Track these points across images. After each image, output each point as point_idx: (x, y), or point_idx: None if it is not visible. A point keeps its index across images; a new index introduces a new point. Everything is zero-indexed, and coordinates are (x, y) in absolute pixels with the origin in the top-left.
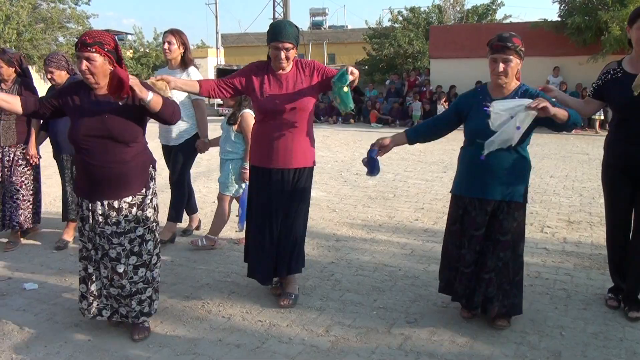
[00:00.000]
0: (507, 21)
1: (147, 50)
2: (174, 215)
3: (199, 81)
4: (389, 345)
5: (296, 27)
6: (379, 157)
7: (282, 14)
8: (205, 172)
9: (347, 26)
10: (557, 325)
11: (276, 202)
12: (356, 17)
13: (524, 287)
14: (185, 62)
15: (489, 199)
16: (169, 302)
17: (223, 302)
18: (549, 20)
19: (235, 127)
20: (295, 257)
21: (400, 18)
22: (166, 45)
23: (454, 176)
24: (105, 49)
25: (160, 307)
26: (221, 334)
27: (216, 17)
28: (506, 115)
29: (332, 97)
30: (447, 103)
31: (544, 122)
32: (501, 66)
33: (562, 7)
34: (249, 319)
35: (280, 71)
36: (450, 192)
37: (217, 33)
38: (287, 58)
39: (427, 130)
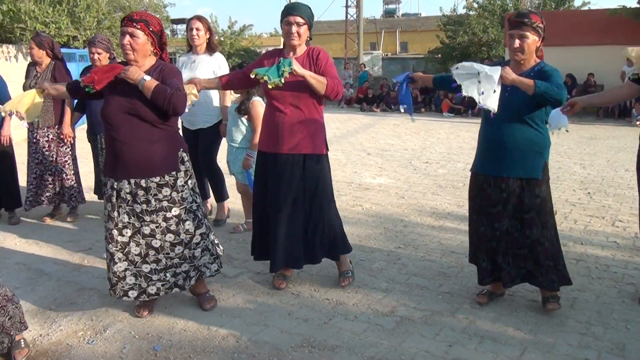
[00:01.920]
0: (586, 8)
1: (222, 39)
2: (219, 196)
3: (221, 77)
4: (453, 328)
5: (310, 9)
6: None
7: (355, 2)
8: None
9: (420, 14)
10: (623, 318)
11: (287, 187)
12: (430, 5)
13: (593, 280)
14: (212, 47)
15: (503, 176)
16: (241, 278)
17: (292, 279)
18: (628, 7)
19: (245, 116)
20: (331, 244)
21: (476, 5)
22: (194, 32)
23: (475, 152)
24: (150, 29)
25: (233, 281)
26: (290, 309)
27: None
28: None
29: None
30: None
31: (536, 98)
32: (517, 42)
33: None
34: (317, 296)
35: (292, 54)
36: (470, 169)
37: None
38: (299, 34)
39: (449, 82)
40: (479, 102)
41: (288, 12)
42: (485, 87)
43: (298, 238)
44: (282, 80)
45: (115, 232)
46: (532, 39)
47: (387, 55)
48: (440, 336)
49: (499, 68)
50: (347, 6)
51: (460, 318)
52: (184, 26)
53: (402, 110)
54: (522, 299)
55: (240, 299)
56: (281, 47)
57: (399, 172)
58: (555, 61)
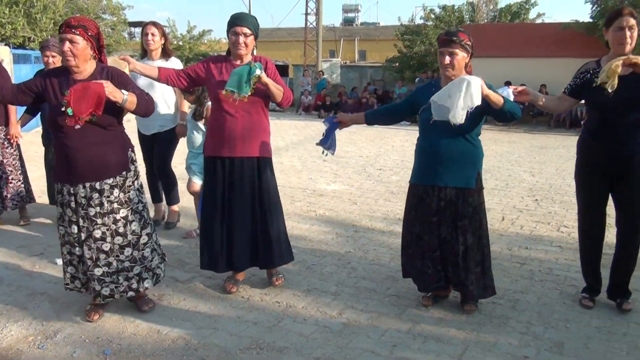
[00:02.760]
0: (540, 20)
1: (181, 43)
2: (171, 200)
3: (159, 68)
4: (398, 329)
5: (256, 20)
6: (336, 132)
7: (315, 9)
8: None
9: (379, 23)
10: (563, 318)
11: (235, 190)
12: (389, 14)
13: (535, 282)
14: (167, 53)
15: (441, 186)
16: (192, 282)
17: (243, 283)
18: (581, 21)
19: (202, 121)
20: (277, 250)
21: (433, 16)
22: (149, 37)
23: (412, 166)
24: (89, 33)
25: (184, 285)
26: (240, 312)
27: (249, 11)
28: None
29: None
30: None
31: (487, 112)
32: (447, 59)
33: (594, 8)
34: (267, 299)
35: (239, 61)
36: (409, 182)
37: None
38: (246, 44)
39: (383, 115)
40: (451, 115)
41: (235, 22)
42: (464, 102)
43: (249, 241)
44: (251, 92)
45: (77, 234)
46: (462, 56)
47: (345, 63)
48: (385, 337)
49: (478, 84)
50: (306, 14)
51: (406, 319)
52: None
53: (324, 153)
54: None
55: (190, 302)
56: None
57: (353, 178)
58: (510, 72)
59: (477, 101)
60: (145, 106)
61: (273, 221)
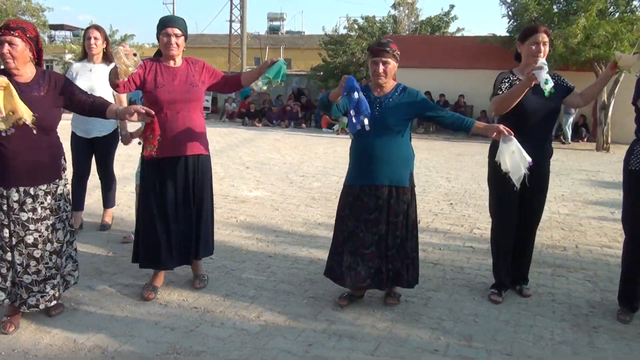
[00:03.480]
0: (460, 34)
1: None
2: (109, 202)
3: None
4: (314, 329)
5: (185, 22)
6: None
7: (239, 16)
8: None
9: (304, 32)
10: (472, 313)
11: (176, 189)
12: (313, 24)
13: (447, 281)
14: (108, 57)
15: (377, 185)
16: (109, 290)
17: (161, 290)
18: (498, 35)
19: None
20: (204, 242)
21: (356, 26)
22: (92, 41)
23: (347, 169)
24: (27, 36)
25: (101, 294)
26: (158, 319)
27: None
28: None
29: (258, 87)
30: None
31: (426, 119)
32: (381, 67)
33: (510, 23)
34: (185, 305)
35: (172, 63)
36: (343, 183)
37: None
38: (177, 45)
39: (322, 104)
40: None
41: (165, 24)
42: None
43: (189, 237)
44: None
45: (7, 239)
46: (393, 65)
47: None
48: (301, 337)
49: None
50: (231, 20)
51: (322, 320)
52: (62, 32)
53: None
54: (380, 299)
55: (107, 310)
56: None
57: (275, 185)
58: (430, 82)
59: (528, 158)
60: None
61: (209, 214)
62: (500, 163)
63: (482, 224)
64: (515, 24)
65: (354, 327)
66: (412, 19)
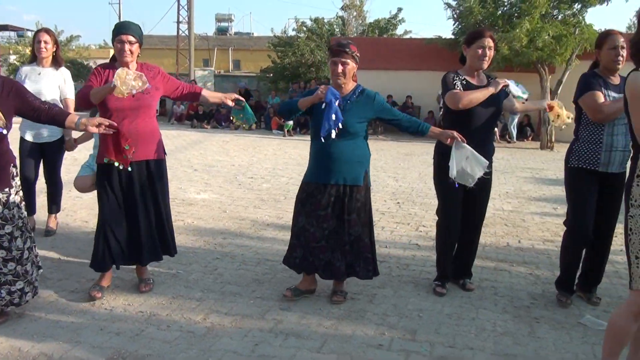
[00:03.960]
0: (407, 36)
1: None
2: (55, 208)
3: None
4: (261, 329)
5: (141, 28)
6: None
7: (186, 17)
8: None
9: (252, 33)
10: (416, 308)
11: (128, 193)
12: (262, 25)
13: (392, 278)
14: (58, 62)
15: (332, 184)
16: (54, 297)
17: (107, 295)
18: (443, 37)
19: None
20: (164, 245)
21: (305, 28)
22: (42, 45)
23: (307, 166)
24: None
25: (46, 300)
26: (103, 324)
27: (119, 17)
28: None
29: (235, 117)
30: None
31: (383, 121)
32: (340, 67)
33: (455, 25)
34: (131, 310)
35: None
36: (302, 180)
37: None
38: (131, 52)
39: (286, 109)
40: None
41: (120, 31)
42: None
43: (143, 238)
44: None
45: None
46: (352, 65)
47: (220, 72)
48: (248, 337)
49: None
50: (178, 21)
51: (269, 319)
52: (6, 33)
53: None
54: (326, 298)
55: (53, 317)
56: (108, 60)
57: (224, 187)
58: (378, 83)
59: (484, 160)
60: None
61: (167, 216)
62: (449, 168)
63: (428, 222)
64: (460, 26)
65: (300, 326)
66: (360, 21)
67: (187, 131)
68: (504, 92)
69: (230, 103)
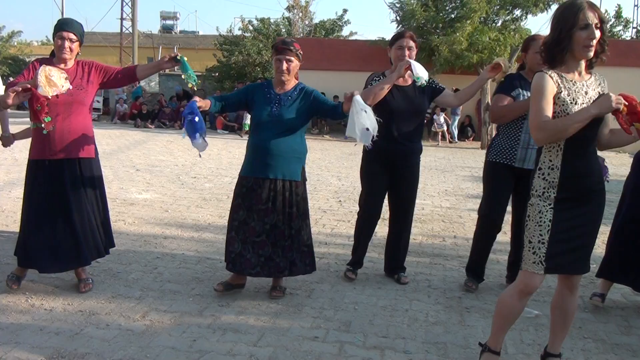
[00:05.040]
0: (352, 38)
1: None
2: None
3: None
4: (199, 325)
5: (82, 27)
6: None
7: (130, 14)
8: None
9: (198, 32)
10: (352, 301)
11: (59, 191)
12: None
13: (331, 273)
14: None
15: (272, 178)
16: None
17: (46, 296)
18: (387, 39)
19: None
20: (100, 242)
21: (251, 28)
22: None
23: (244, 160)
24: None
25: None
26: (42, 324)
27: (62, 13)
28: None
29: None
30: None
31: (317, 113)
32: (284, 65)
33: (398, 28)
34: (70, 309)
35: (62, 65)
36: (240, 174)
37: None
38: (71, 49)
39: (223, 103)
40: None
41: (61, 27)
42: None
43: (76, 238)
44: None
45: None
46: (295, 63)
47: (164, 71)
48: (186, 333)
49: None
50: (122, 18)
51: (207, 316)
52: None
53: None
54: (265, 293)
55: None
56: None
57: (166, 187)
58: (323, 83)
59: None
60: None
61: (99, 215)
62: (350, 132)
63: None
64: (403, 28)
65: (238, 321)
66: (306, 22)
67: (131, 130)
68: (429, 91)
69: (170, 64)
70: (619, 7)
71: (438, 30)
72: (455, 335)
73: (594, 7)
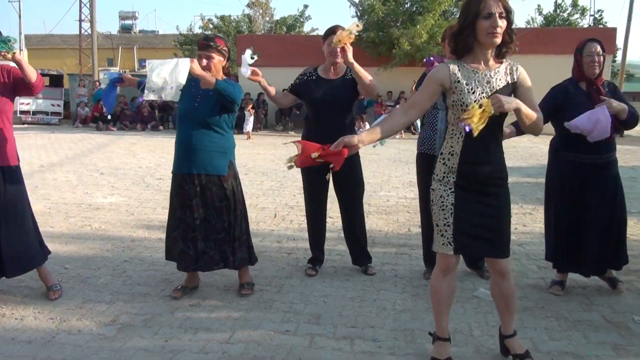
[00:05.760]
0: (314, 34)
1: None
2: None
3: None
4: (171, 326)
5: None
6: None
7: (88, 16)
8: None
9: (158, 31)
10: (321, 294)
11: None
12: (167, 23)
13: (300, 268)
14: None
15: (195, 174)
16: None
17: (17, 305)
18: None
19: None
20: (23, 257)
21: (211, 26)
22: None
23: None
24: None
25: None
26: (14, 333)
27: (19, 16)
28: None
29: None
30: (253, 110)
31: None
32: (204, 62)
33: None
34: (41, 317)
35: None
36: (172, 171)
37: (20, 33)
38: None
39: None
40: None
41: None
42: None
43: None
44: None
45: None
46: (218, 59)
47: (125, 72)
48: (158, 334)
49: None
50: (80, 20)
51: (179, 316)
52: None
53: (104, 111)
54: (235, 291)
55: None
56: None
57: (131, 190)
58: (285, 79)
59: (182, 80)
60: None
61: (24, 223)
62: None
63: (335, 213)
64: (362, 23)
65: (209, 319)
66: (267, 19)
67: (93, 134)
68: (351, 81)
69: None
70: None
71: (398, 24)
72: (422, 321)
73: None
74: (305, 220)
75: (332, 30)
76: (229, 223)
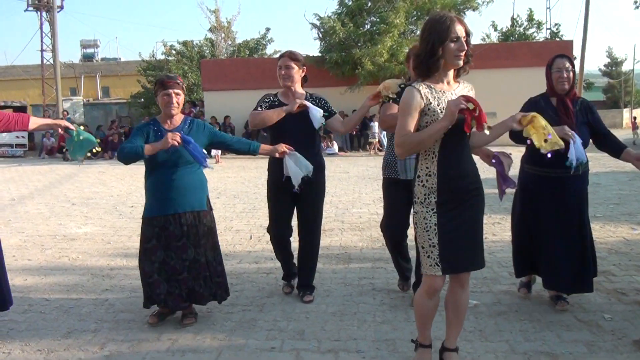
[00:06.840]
0: (277, 56)
1: None
2: None
3: None
4: (158, 350)
5: None
6: None
7: (50, 45)
8: None
9: (120, 58)
10: (303, 311)
11: None
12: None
13: (279, 287)
14: None
15: (181, 213)
16: None
17: (2, 339)
18: (311, 55)
19: None
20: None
21: (174, 51)
22: None
23: (145, 203)
24: None
25: None
26: None
27: None
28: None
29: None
30: None
31: (220, 146)
32: (174, 99)
33: (322, 44)
34: (28, 350)
35: None
36: (143, 216)
37: None
38: None
39: (131, 156)
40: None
41: None
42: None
43: None
44: None
45: None
46: (182, 96)
47: (88, 100)
48: (146, 359)
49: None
50: (42, 50)
51: (165, 340)
52: None
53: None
54: (219, 313)
55: None
56: None
57: (104, 218)
58: (251, 102)
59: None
60: None
61: None
62: (290, 178)
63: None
64: (325, 44)
65: (195, 342)
66: (229, 42)
67: (60, 165)
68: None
69: (60, 131)
70: (531, 10)
71: (359, 45)
72: (402, 331)
73: (461, 21)
74: (272, 242)
75: (282, 55)
76: (211, 259)
